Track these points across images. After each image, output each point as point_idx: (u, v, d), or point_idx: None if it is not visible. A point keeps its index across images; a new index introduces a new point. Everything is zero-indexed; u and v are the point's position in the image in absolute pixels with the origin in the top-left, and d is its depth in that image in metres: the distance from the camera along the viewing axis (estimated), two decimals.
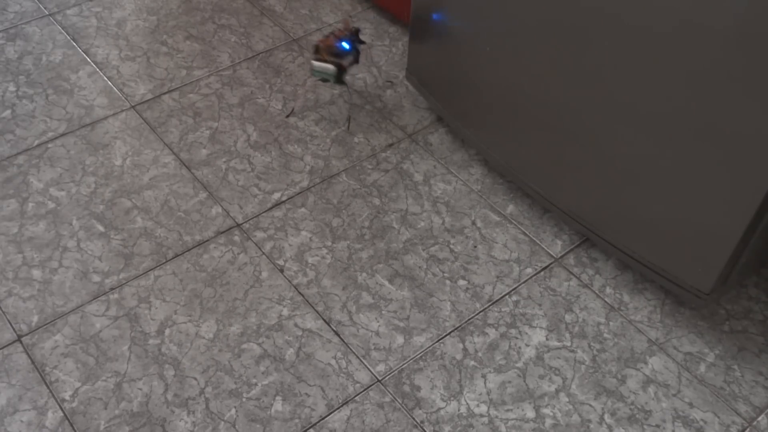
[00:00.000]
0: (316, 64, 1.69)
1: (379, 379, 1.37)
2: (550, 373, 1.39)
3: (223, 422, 1.30)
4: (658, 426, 1.33)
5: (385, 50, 2.00)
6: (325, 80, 1.72)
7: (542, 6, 1.35)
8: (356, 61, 1.72)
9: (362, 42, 1.73)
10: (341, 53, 1.68)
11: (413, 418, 1.32)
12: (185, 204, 1.62)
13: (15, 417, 1.29)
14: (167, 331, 1.41)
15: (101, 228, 1.57)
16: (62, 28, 2.01)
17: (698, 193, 1.28)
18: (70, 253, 1.52)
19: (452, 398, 1.35)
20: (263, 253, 1.54)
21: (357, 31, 1.71)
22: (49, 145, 1.72)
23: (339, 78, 1.70)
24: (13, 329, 1.41)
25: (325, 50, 1.68)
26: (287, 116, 1.75)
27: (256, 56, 1.96)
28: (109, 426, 1.29)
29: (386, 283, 1.51)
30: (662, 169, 1.31)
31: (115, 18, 2.05)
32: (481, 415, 1.33)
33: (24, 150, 1.71)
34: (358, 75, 1.92)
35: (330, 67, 1.69)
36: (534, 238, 1.59)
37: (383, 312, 1.46)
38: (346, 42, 1.68)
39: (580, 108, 1.38)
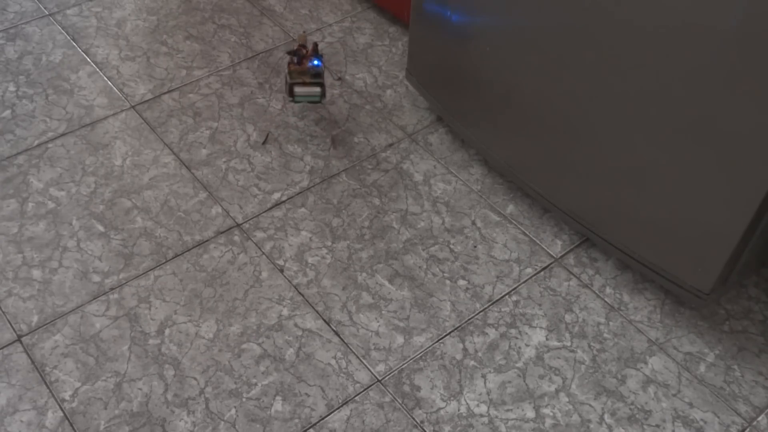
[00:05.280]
0: (301, 89, 1.66)
1: (379, 379, 1.37)
2: (550, 373, 1.39)
3: (223, 422, 1.30)
4: (658, 426, 1.33)
5: (385, 50, 2.00)
6: (311, 102, 1.69)
7: (542, 5, 1.35)
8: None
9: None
10: (319, 72, 1.65)
11: (413, 418, 1.32)
12: (185, 204, 1.62)
13: (15, 417, 1.29)
14: (167, 331, 1.41)
15: (101, 228, 1.57)
16: (62, 28, 2.01)
17: (698, 193, 1.28)
18: (70, 253, 1.52)
19: (452, 398, 1.35)
20: (263, 253, 1.54)
21: (316, 45, 1.68)
22: (49, 145, 1.72)
23: (323, 95, 1.68)
24: (13, 329, 1.41)
25: (302, 74, 1.64)
26: (263, 143, 1.71)
27: (256, 56, 1.96)
28: (109, 426, 1.29)
29: (386, 283, 1.51)
30: (662, 168, 1.31)
31: (115, 18, 2.05)
32: (481, 415, 1.33)
33: (24, 150, 1.71)
34: (358, 75, 1.92)
35: (316, 89, 1.66)
36: (534, 238, 1.59)
37: (383, 312, 1.46)
38: (317, 59, 1.65)
39: (580, 108, 1.38)
